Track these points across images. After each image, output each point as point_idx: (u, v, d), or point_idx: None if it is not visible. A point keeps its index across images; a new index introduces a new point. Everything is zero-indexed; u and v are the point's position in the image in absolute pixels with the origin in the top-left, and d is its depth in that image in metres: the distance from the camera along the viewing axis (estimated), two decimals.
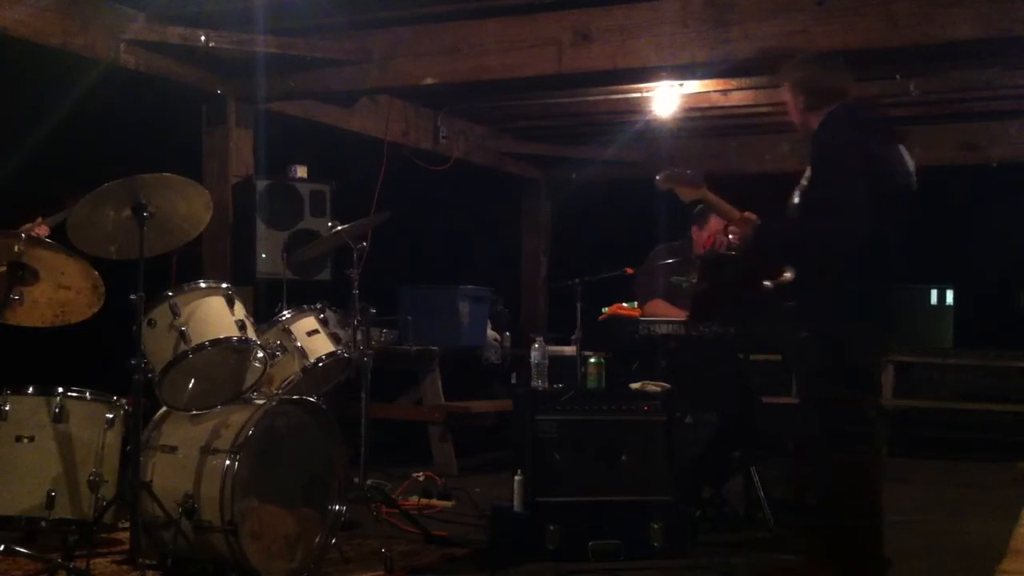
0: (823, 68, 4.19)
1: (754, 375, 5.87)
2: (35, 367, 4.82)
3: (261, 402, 4.31)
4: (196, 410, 4.35)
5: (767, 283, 4.16)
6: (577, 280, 5.23)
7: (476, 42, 5.98)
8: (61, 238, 4.18)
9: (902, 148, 4.02)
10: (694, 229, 6.19)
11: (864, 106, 4.41)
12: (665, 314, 5.67)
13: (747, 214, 4.18)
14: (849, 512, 3.93)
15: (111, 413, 4.38)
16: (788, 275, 4.08)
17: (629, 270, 5.88)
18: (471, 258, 8.83)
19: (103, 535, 4.51)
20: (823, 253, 3.89)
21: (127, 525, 4.17)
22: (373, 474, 5.38)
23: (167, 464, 4.24)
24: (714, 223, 6.14)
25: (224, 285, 4.42)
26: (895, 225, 3.94)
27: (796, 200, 4.08)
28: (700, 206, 6.19)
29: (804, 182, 4.07)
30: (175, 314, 4.21)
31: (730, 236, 4.26)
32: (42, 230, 4.55)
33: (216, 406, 4.33)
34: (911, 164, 4.03)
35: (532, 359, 5.13)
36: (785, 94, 4.19)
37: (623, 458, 4.96)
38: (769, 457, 5.82)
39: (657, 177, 4.36)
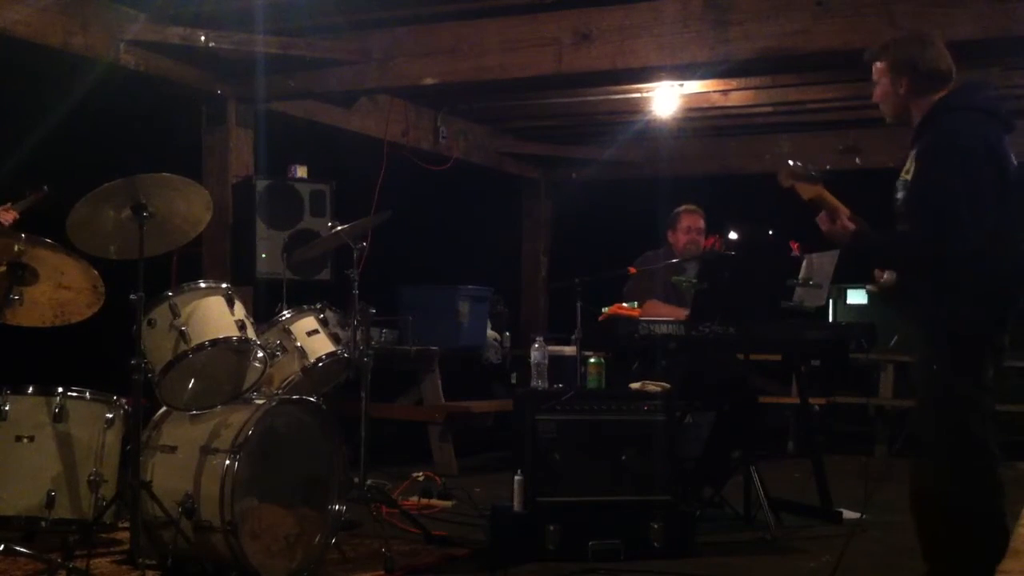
0: (926, 46, 3.79)
1: (754, 375, 5.86)
2: (35, 367, 4.82)
3: (261, 402, 4.31)
4: (196, 410, 4.35)
5: (869, 287, 3.95)
6: (577, 280, 5.22)
7: (476, 42, 5.99)
8: (61, 238, 4.18)
9: (1007, 142, 3.73)
10: (668, 234, 6.20)
11: (984, 89, 3.92)
12: (663, 314, 5.68)
13: (850, 218, 3.83)
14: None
15: (111, 413, 4.38)
16: (888, 276, 3.91)
17: (632, 269, 5.89)
18: (471, 258, 8.82)
19: (103, 535, 4.50)
20: (937, 262, 3.62)
21: (127, 525, 4.17)
22: (373, 474, 5.37)
23: (167, 464, 4.24)
24: (685, 219, 6.14)
25: (224, 285, 4.42)
26: (1012, 231, 3.67)
27: (900, 195, 3.79)
28: (678, 209, 6.21)
29: (906, 176, 3.78)
30: (175, 314, 4.20)
31: (826, 228, 3.95)
32: (9, 215, 4.55)
33: (216, 406, 4.33)
34: (1013, 159, 3.73)
35: (532, 359, 5.13)
36: (881, 73, 3.80)
37: (623, 458, 4.95)
38: (769, 457, 5.82)
39: (779, 175, 3.94)
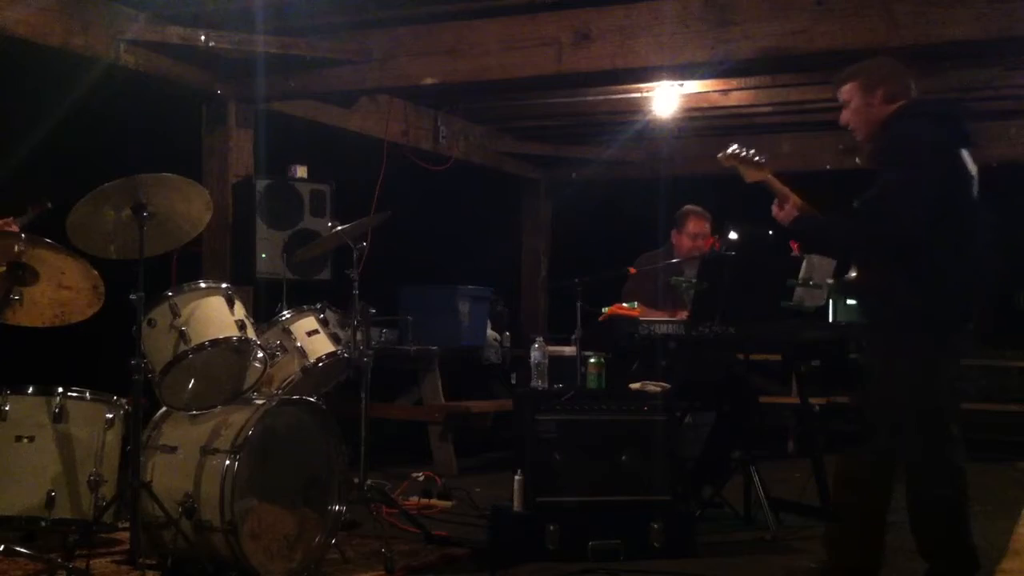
0: (887, 64, 4.12)
1: (754, 375, 5.86)
2: (35, 367, 4.82)
3: (261, 402, 4.30)
4: (196, 410, 4.35)
5: (829, 280, 4.12)
6: (577, 280, 5.22)
7: (476, 42, 5.99)
8: (61, 238, 4.18)
9: (965, 153, 3.93)
10: (673, 233, 6.19)
11: (939, 102, 4.29)
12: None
13: (802, 203, 4.10)
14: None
15: (111, 413, 4.37)
16: (852, 274, 4.04)
17: (632, 269, 5.88)
18: (471, 258, 8.82)
19: (103, 535, 4.50)
20: (884, 257, 3.84)
21: (127, 525, 4.17)
22: (373, 474, 5.37)
23: (167, 464, 4.24)
24: (692, 225, 6.12)
25: (224, 285, 4.42)
26: (967, 230, 3.86)
27: (857, 205, 3.98)
28: (681, 210, 6.21)
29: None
30: (175, 314, 4.20)
31: (776, 214, 4.15)
32: (12, 230, 4.55)
33: (216, 406, 4.33)
34: (973, 169, 3.94)
35: (532, 359, 5.13)
36: (851, 93, 4.03)
37: (623, 458, 4.95)
38: (769, 457, 5.82)
39: (720, 154, 4.26)
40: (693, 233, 6.09)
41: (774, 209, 4.10)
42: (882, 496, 3.97)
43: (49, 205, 4.55)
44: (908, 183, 3.76)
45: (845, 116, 4.09)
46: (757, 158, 4.20)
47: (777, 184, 4.13)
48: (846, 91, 4.06)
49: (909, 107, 3.96)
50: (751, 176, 4.20)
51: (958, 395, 4.00)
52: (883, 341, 3.93)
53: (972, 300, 3.94)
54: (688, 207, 6.19)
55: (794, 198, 4.06)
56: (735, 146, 4.25)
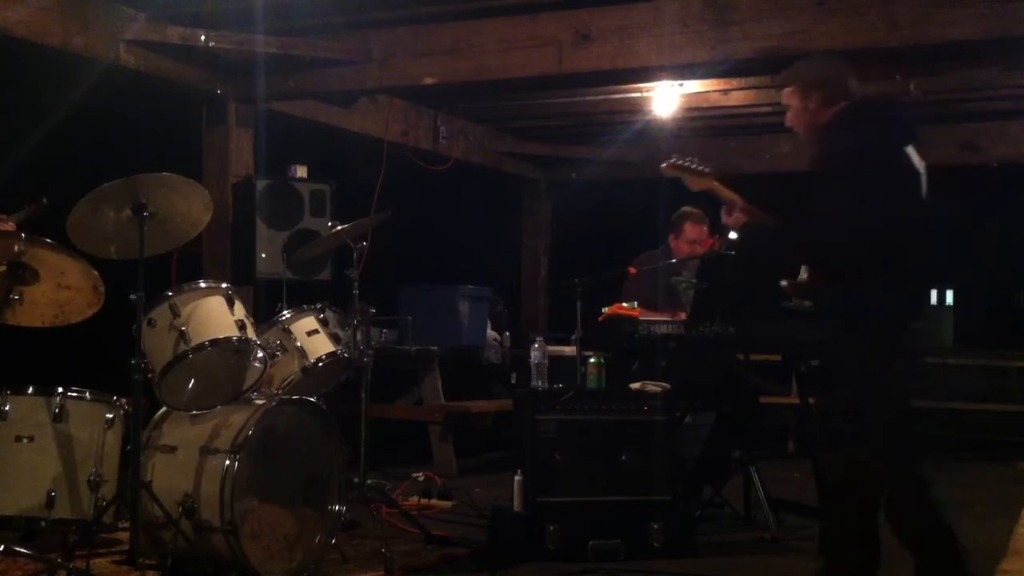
0: (832, 64, 4.13)
1: (754, 375, 5.86)
2: (35, 367, 4.82)
3: (261, 402, 4.31)
4: (196, 410, 4.35)
5: (783, 283, 4.14)
6: (577, 280, 5.22)
7: (476, 42, 5.98)
8: (61, 238, 4.17)
9: (911, 149, 3.96)
10: (671, 237, 6.17)
11: (882, 104, 4.32)
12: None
13: (752, 208, 4.14)
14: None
15: (111, 413, 4.37)
16: (801, 275, 4.07)
17: (632, 269, 5.88)
18: (471, 258, 8.82)
19: (103, 535, 4.50)
20: (835, 258, 3.86)
21: (127, 525, 4.17)
22: (373, 474, 5.38)
23: (167, 464, 4.24)
24: (690, 231, 6.10)
25: (224, 285, 4.42)
26: (914, 228, 3.89)
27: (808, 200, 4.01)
28: (676, 213, 6.21)
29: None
30: (175, 314, 4.20)
31: (725, 220, 4.23)
32: (8, 226, 4.55)
33: (216, 406, 4.33)
34: (920, 165, 3.97)
35: (532, 359, 5.13)
36: (791, 97, 4.08)
37: (623, 458, 4.95)
38: (769, 457, 5.82)
39: (663, 164, 4.31)
40: (691, 239, 6.06)
41: (723, 215, 4.13)
42: (869, 496, 3.97)
43: (45, 202, 4.55)
44: (855, 193, 3.78)
45: (788, 119, 4.13)
46: (700, 167, 4.24)
47: (724, 191, 4.18)
48: (786, 94, 4.10)
49: (850, 111, 3.95)
50: (695, 185, 4.25)
51: (914, 393, 4.01)
52: (843, 343, 3.92)
53: (926, 297, 4.09)
54: (685, 210, 6.13)
55: (742, 203, 4.09)
56: (675, 157, 4.29)
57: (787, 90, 4.09)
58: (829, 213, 3.82)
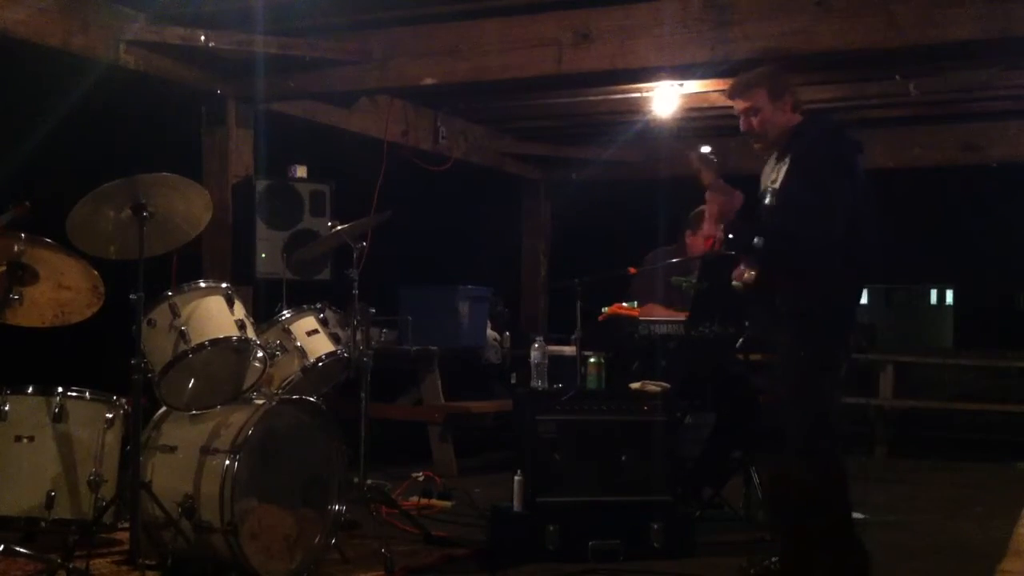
0: (783, 74, 4.35)
1: (754, 375, 5.86)
2: (35, 367, 4.81)
3: (261, 402, 4.31)
4: (196, 410, 4.35)
5: (735, 283, 4.20)
6: (577, 280, 5.22)
7: (476, 42, 5.98)
8: (61, 238, 4.17)
9: (859, 159, 4.17)
10: (688, 233, 6.17)
11: (830, 114, 4.52)
12: (659, 316, 5.67)
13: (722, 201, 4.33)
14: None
15: (111, 413, 4.38)
16: (748, 274, 4.13)
17: (632, 269, 5.88)
18: (471, 258, 8.82)
19: (103, 535, 4.50)
20: (808, 254, 3.99)
21: (127, 525, 4.17)
22: (373, 474, 5.37)
23: (167, 464, 4.24)
24: (707, 227, 6.11)
25: (224, 285, 4.42)
26: (861, 232, 4.05)
27: (769, 202, 4.18)
28: (696, 210, 6.21)
29: (773, 185, 4.16)
30: (175, 314, 4.20)
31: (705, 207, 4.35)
32: None
33: (216, 406, 4.33)
34: (863, 174, 4.19)
35: (532, 359, 5.13)
36: (759, 99, 4.19)
37: (623, 458, 4.95)
38: (769, 457, 5.82)
39: (692, 153, 4.53)
40: (708, 235, 6.07)
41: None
42: (836, 493, 4.06)
43: (28, 205, 4.53)
44: (831, 195, 3.96)
45: (750, 123, 4.22)
46: (716, 164, 4.52)
47: (719, 185, 4.46)
48: (752, 98, 4.20)
49: (815, 120, 4.22)
50: (707, 179, 4.50)
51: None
52: (795, 342, 4.04)
53: (860, 298, 4.32)
54: (702, 209, 6.17)
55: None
56: (705, 150, 4.52)
57: (750, 93, 4.21)
58: (803, 211, 3.97)
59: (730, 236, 4.26)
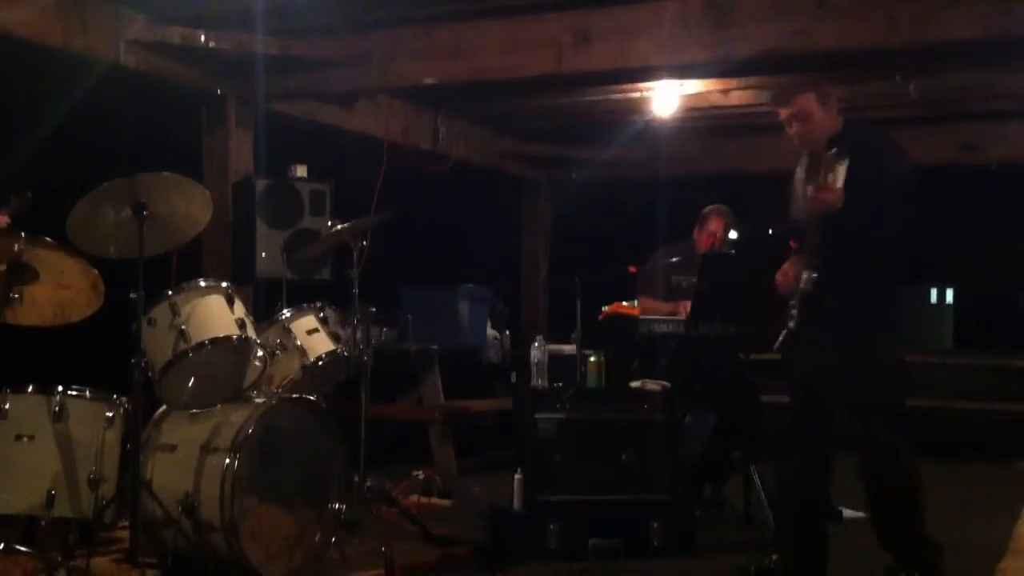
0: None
1: (754, 375, 5.87)
2: (35, 366, 4.81)
3: (261, 401, 4.31)
4: (196, 409, 4.35)
5: (782, 286, 4.18)
6: (577, 279, 5.22)
7: (476, 42, 5.98)
8: (61, 237, 4.17)
9: None
10: (695, 230, 6.20)
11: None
12: (653, 310, 5.68)
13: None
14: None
15: (111, 412, 4.37)
16: (806, 277, 4.11)
17: (632, 268, 5.89)
18: (471, 258, 8.82)
19: (103, 534, 4.48)
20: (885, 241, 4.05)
21: (127, 524, 4.17)
22: (373, 473, 5.37)
23: (167, 463, 4.24)
24: (713, 224, 6.14)
25: (224, 284, 4.43)
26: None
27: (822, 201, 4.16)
28: (705, 209, 6.22)
29: (834, 185, 4.06)
30: (175, 313, 4.21)
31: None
32: (2, 220, 4.54)
33: (216, 405, 4.34)
34: None
35: (532, 358, 5.13)
36: (808, 106, 4.20)
37: (623, 458, 4.96)
38: (769, 457, 5.82)
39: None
40: (712, 230, 6.12)
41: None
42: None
43: (30, 195, 4.53)
44: (900, 196, 4.02)
45: (800, 129, 4.21)
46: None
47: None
48: (798, 103, 4.20)
49: (855, 124, 4.33)
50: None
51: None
52: (855, 341, 4.05)
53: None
54: (712, 207, 6.22)
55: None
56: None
57: (799, 99, 4.20)
58: (863, 200, 3.97)
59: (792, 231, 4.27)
